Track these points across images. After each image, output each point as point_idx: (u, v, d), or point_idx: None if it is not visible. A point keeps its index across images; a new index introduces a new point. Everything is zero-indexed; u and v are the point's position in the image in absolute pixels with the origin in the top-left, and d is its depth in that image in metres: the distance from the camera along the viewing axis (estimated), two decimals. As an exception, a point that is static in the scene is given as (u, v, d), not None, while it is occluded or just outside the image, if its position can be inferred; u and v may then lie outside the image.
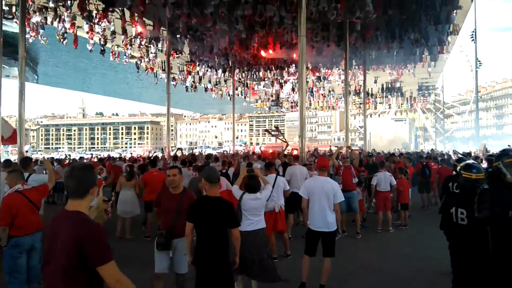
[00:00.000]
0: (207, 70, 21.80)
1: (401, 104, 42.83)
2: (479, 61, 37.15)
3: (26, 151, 19.53)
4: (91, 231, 2.19)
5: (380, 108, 48.75)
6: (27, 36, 13.29)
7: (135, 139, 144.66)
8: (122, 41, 16.76)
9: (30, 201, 4.50)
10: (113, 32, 15.11)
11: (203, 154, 20.94)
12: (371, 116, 56.55)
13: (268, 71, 23.30)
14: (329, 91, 31.71)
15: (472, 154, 14.95)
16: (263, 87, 27.80)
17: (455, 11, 14.34)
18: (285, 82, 26.12)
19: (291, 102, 35.04)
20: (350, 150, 11.69)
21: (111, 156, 23.30)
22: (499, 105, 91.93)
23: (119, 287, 2.17)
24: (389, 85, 30.97)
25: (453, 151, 17.97)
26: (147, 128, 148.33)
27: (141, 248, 7.23)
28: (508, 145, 20.67)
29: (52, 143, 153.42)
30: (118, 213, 8.25)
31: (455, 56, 49.76)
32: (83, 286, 2.16)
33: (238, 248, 3.98)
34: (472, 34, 35.23)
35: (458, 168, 3.96)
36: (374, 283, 5.60)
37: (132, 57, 18.95)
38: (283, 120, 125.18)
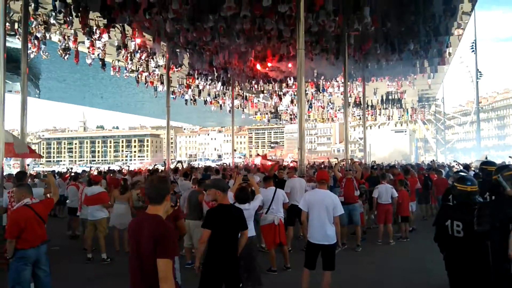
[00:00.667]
0: (207, 83, 21.98)
1: (402, 115, 42.92)
2: (480, 71, 37.27)
3: (28, 165, 19.56)
4: (166, 231, 2.63)
5: (380, 119, 48.83)
6: (28, 51, 13.47)
7: (135, 151, 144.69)
8: (123, 56, 16.95)
9: (38, 215, 4.58)
10: (119, 47, 15.31)
11: (201, 166, 20.98)
12: (371, 128, 56.71)
13: (267, 83, 23.46)
14: (328, 103, 31.82)
15: (473, 167, 14.80)
16: (262, 99, 27.98)
17: (455, 22, 14.52)
18: (284, 94, 26.27)
19: (290, 114, 35.16)
20: (352, 163, 11.67)
21: (111, 169, 23.33)
22: (500, 115, 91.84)
23: (164, 282, 2.50)
24: (390, 96, 31.06)
25: (455, 161, 17.88)
26: (147, 140, 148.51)
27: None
28: (510, 156, 20.60)
29: (54, 156, 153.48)
30: (111, 225, 8.17)
31: (456, 67, 50.00)
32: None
33: (243, 245, 4.28)
34: (472, 45, 35.42)
35: (452, 181, 3.98)
36: (375, 297, 5.53)
37: (132, 71, 19.15)
38: (282, 132, 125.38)
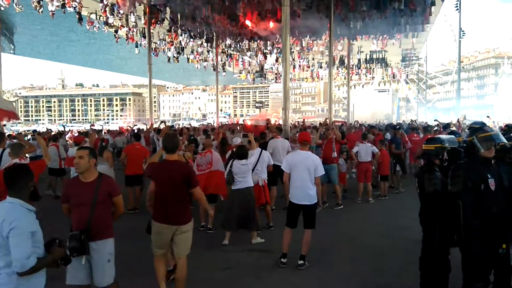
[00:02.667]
0: (189, 40, 21.33)
1: (385, 75, 42.98)
2: (463, 31, 37.07)
3: (5, 125, 19.02)
4: (190, 169, 4.27)
5: (364, 79, 48.82)
6: (0, 3, 12.73)
7: (117, 110, 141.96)
8: (101, 9, 16.20)
9: None
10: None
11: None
12: (355, 87, 56.74)
13: (252, 41, 22.94)
14: (313, 59, 31.46)
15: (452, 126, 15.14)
16: (249, 57, 27.46)
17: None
18: (270, 52, 25.80)
19: (275, 73, 34.80)
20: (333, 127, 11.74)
21: (94, 129, 22.85)
22: (480, 75, 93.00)
23: (202, 198, 4.29)
24: (374, 55, 30.92)
25: (435, 120, 18.23)
26: (129, 99, 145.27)
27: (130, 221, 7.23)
28: (487, 116, 21.11)
29: (32, 115, 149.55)
30: None
31: (440, 26, 49.74)
32: (187, 197, 4.09)
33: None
34: (457, 3, 34.99)
35: None
36: (353, 253, 5.80)
37: (111, 26, 18.38)
38: (267, 91, 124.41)
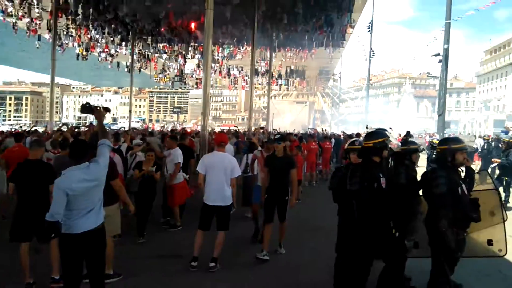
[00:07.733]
0: (102, 37, 19.86)
1: (303, 87, 44.88)
2: (373, 51, 40.36)
3: None
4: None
5: (283, 89, 50.62)
6: None
7: (10, 111, 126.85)
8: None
9: None
10: None
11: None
12: (275, 98, 58.48)
13: (172, 44, 22.18)
14: (236, 68, 31.51)
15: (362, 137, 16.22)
16: (168, 60, 26.50)
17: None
18: (192, 57, 25.03)
19: (196, 79, 34.21)
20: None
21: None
22: (386, 92, 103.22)
23: None
24: (293, 67, 32.02)
25: (342, 131, 19.45)
26: (26, 99, 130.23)
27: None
28: (390, 127, 23.06)
29: None
30: None
31: (353, 45, 53.80)
32: None
33: None
34: (369, 26, 38.06)
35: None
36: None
37: (10, 15, 16.43)
38: (187, 97, 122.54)
